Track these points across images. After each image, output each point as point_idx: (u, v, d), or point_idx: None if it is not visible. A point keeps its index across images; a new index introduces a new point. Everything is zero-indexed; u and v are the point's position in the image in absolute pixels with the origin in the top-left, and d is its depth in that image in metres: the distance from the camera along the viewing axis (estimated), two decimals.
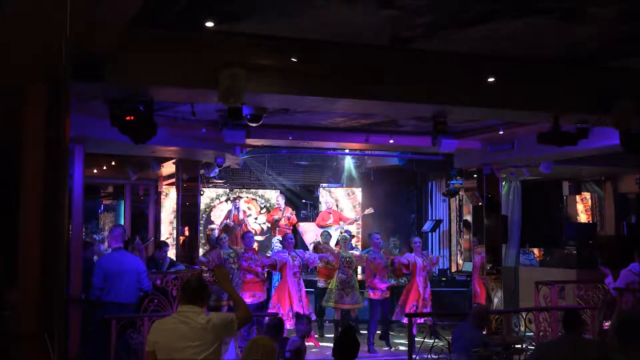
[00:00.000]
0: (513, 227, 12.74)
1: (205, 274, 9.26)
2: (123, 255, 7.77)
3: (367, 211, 13.73)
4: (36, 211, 4.82)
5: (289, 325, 9.04)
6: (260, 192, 15.02)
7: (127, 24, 4.72)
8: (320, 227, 13.56)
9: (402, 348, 10.01)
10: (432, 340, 8.91)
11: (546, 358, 4.93)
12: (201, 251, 12.98)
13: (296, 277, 9.89)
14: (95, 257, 10.83)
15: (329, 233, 11.92)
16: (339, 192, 15.02)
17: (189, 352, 3.99)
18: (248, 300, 9.57)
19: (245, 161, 13.52)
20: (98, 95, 6.21)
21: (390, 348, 10.31)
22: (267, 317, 8.29)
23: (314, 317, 10.14)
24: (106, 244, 12.31)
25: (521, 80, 6.58)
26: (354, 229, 14.22)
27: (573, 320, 5.07)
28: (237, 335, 8.98)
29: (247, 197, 15.00)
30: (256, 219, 14.96)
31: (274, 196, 14.33)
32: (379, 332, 10.41)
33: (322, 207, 15.00)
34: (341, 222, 13.79)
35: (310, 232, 13.92)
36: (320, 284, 11.26)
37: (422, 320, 9.85)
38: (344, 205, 14.93)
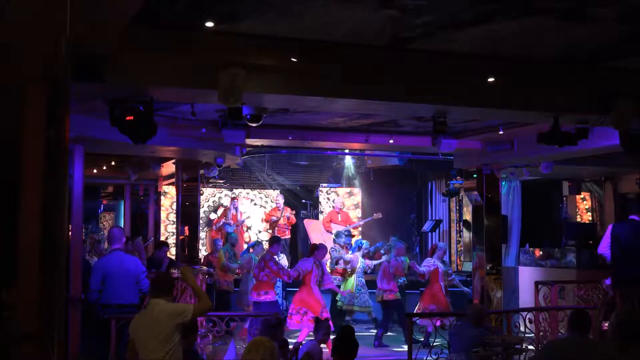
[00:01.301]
0: (513, 227, 12.74)
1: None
2: (121, 256, 7.69)
3: (375, 216, 13.75)
4: (36, 211, 4.81)
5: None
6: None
7: (127, 24, 4.72)
8: (327, 230, 13.59)
9: None
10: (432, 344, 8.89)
11: (553, 357, 4.93)
12: (203, 251, 13.03)
13: (317, 285, 10.05)
14: (94, 258, 10.84)
15: (348, 234, 12.09)
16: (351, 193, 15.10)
17: (150, 338, 4.82)
18: (263, 297, 9.79)
19: (245, 161, 13.52)
20: (98, 95, 6.20)
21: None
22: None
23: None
24: (105, 244, 12.31)
25: (521, 80, 6.58)
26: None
27: (581, 320, 5.06)
28: (238, 337, 9.03)
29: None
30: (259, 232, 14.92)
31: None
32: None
33: (322, 207, 15.01)
34: (348, 225, 13.81)
35: (316, 232, 13.87)
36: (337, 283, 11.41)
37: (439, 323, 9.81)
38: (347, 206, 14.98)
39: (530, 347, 8.41)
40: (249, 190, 15.14)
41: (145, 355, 4.80)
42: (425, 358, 7.73)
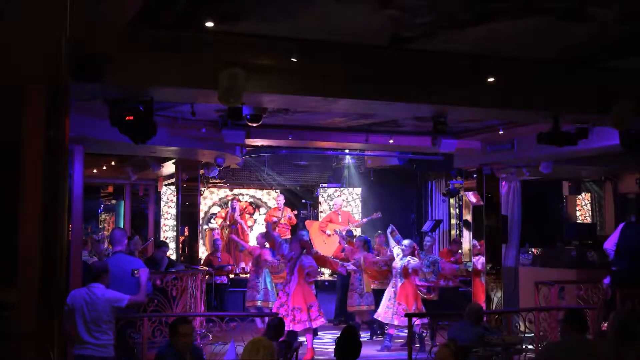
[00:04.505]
0: (513, 227, 12.73)
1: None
2: (122, 259, 7.63)
3: (374, 215, 13.76)
4: (36, 211, 4.81)
5: None
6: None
7: (127, 24, 4.71)
8: (322, 230, 13.56)
9: None
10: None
11: (554, 359, 4.92)
12: (202, 250, 13.05)
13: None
14: (94, 259, 10.81)
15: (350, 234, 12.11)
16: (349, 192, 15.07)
17: (90, 312, 6.02)
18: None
19: (245, 161, 13.52)
20: (98, 95, 6.20)
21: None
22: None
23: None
24: (106, 244, 12.31)
25: (521, 80, 6.58)
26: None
27: (579, 321, 5.06)
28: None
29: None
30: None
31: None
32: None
33: (322, 207, 15.01)
34: (350, 224, 13.79)
35: (316, 232, 13.85)
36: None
37: None
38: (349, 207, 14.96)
39: (530, 347, 8.41)
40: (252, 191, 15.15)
41: (87, 327, 6.01)
42: (425, 358, 7.74)
